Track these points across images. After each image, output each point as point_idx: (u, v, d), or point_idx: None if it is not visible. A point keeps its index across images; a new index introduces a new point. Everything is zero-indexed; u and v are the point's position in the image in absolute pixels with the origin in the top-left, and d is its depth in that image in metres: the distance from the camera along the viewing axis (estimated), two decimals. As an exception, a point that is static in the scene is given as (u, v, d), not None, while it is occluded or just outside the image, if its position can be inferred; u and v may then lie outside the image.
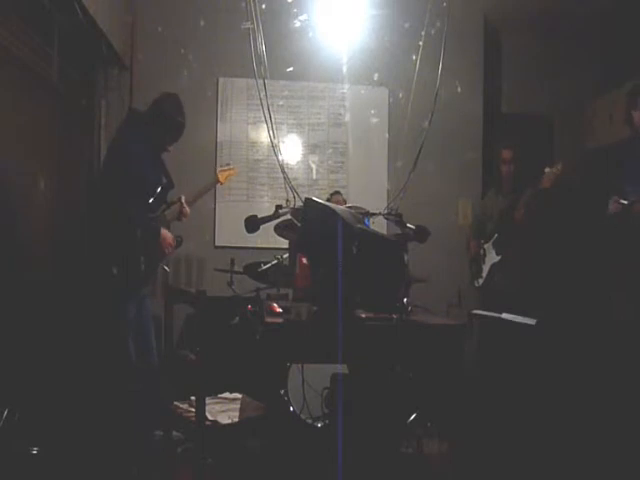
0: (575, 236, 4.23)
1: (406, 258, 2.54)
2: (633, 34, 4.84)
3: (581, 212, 3.97)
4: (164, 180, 3.38)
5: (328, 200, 4.24)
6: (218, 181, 3.78)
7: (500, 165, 4.21)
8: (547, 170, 3.72)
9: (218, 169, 3.77)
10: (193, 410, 3.22)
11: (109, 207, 3.17)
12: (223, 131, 5.02)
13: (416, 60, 3.63)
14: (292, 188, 3.21)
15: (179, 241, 3.46)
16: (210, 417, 3.37)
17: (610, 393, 3.33)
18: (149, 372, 3.28)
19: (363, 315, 2.61)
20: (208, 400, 3.34)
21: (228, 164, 3.91)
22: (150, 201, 3.29)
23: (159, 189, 3.34)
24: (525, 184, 3.96)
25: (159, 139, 3.33)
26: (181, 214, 3.47)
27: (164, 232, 3.30)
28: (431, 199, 4.82)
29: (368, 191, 4.99)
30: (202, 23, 4.81)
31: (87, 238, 3.35)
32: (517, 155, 4.14)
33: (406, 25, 4.79)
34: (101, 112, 4.68)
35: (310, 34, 4.86)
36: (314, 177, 5.09)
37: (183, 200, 3.47)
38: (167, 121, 3.31)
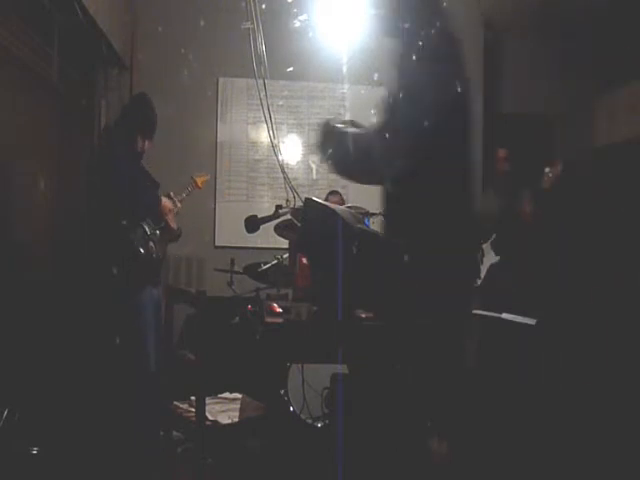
0: (577, 236, 4.22)
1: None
2: (633, 34, 4.84)
3: (583, 212, 3.96)
4: (148, 183, 3.51)
5: (325, 200, 4.24)
6: (197, 186, 3.88)
7: (496, 164, 4.21)
8: (547, 170, 3.72)
9: (194, 175, 3.88)
10: (193, 410, 3.22)
11: (109, 208, 3.21)
12: (223, 131, 5.02)
13: (416, 60, 3.62)
14: (292, 188, 3.20)
15: (179, 233, 3.58)
16: (210, 417, 3.37)
17: (610, 393, 3.33)
18: (153, 372, 3.29)
19: (363, 315, 2.61)
20: (208, 400, 3.34)
21: (200, 173, 4.02)
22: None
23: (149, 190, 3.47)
24: (523, 184, 3.95)
25: (136, 141, 3.42)
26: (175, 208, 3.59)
27: (164, 200, 3.46)
28: (431, 199, 4.81)
29: (368, 191, 4.96)
30: (202, 23, 4.80)
31: (88, 239, 3.38)
32: (514, 154, 4.14)
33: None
34: (101, 112, 4.68)
35: (310, 34, 4.86)
36: (314, 177, 5.09)
37: (172, 195, 3.59)
38: (139, 120, 3.42)
